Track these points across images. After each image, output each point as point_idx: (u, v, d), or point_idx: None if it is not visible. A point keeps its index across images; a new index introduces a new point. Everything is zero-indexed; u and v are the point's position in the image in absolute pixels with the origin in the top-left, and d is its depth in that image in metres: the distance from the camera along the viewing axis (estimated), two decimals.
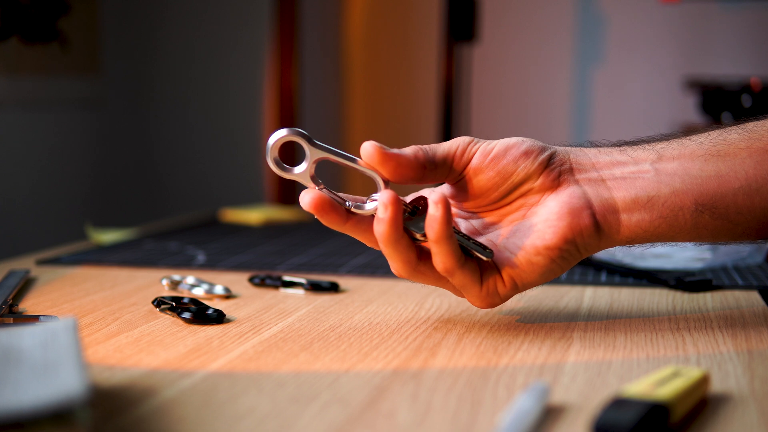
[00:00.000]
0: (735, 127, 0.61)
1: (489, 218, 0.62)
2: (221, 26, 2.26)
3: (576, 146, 0.63)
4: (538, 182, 0.59)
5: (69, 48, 1.86)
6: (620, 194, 0.59)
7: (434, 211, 0.55)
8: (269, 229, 1.13)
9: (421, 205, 0.58)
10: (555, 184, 0.59)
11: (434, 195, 0.56)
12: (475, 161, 0.60)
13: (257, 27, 2.27)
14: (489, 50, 2.77)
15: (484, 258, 0.58)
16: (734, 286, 0.77)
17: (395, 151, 0.58)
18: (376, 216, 0.57)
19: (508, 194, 0.60)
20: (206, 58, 2.26)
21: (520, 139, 0.60)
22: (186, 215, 1.53)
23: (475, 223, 0.63)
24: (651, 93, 2.76)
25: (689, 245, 0.92)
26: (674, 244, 0.62)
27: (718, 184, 0.59)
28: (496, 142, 0.61)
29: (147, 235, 1.07)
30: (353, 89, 2.93)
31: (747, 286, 0.77)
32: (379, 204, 0.56)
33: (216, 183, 2.27)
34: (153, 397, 0.47)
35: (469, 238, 0.58)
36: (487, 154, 0.60)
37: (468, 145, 0.60)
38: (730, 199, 0.58)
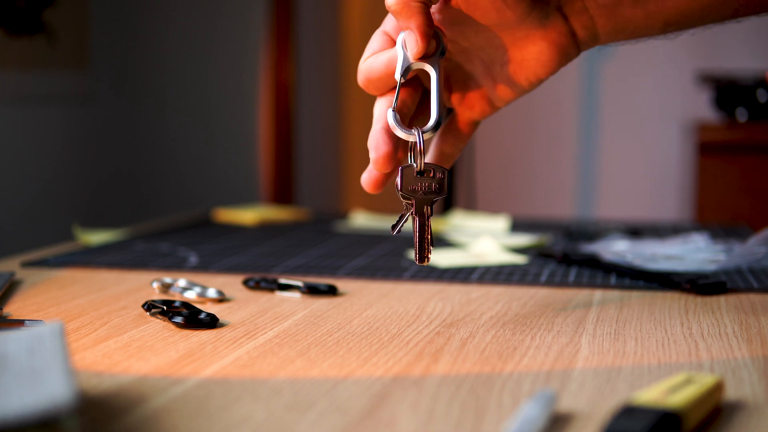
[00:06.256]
0: None
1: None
2: (214, 19, 2.25)
3: None
4: (523, 27, 0.62)
5: (56, 41, 1.84)
6: (601, 22, 0.63)
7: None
8: (264, 230, 1.13)
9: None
10: (542, 24, 0.62)
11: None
12: None
13: (251, 19, 2.26)
14: None
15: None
16: (749, 289, 0.76)
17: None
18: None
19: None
20: (199, 51, 2.25)
21: None
22: (178, 215, 1.52)
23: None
24: (662, 88, 2.74)
25: (702, 247, 0.91)
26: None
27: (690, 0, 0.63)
28: None
29: (137, 235, 1.07)
30: (351, 83, 2.92)
31: (762, 289, 0.76)
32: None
33: (209, 181, 2.26)
34: (143, 405, 0.46)
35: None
36: None
37: None
38: (697, 15, 0.63)
